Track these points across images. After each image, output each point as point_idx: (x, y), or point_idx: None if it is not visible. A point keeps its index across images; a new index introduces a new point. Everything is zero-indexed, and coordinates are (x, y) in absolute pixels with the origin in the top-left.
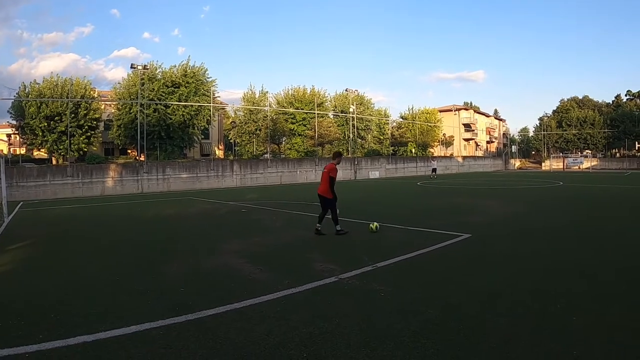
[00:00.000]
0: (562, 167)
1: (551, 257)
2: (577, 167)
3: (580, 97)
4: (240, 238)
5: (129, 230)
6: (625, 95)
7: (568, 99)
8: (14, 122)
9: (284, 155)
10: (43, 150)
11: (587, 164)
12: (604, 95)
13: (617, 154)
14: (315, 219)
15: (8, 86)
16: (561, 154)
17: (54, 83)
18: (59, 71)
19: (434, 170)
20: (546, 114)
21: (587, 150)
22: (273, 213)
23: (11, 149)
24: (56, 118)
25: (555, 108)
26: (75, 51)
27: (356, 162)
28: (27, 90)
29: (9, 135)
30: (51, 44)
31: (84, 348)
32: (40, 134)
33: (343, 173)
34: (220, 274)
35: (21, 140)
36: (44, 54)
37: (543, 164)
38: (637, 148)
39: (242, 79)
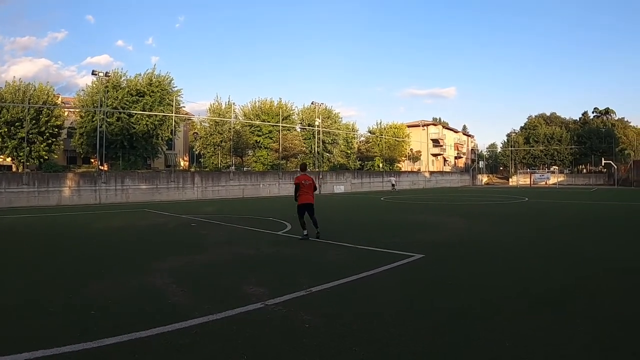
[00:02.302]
0: (529, 182)
1: (505, 279)
2: (544, 182)
3: (548, 114)
4: (178, 255)
5: (69, 243)
6: (592, 112)
7: (536, 116)
8: None
9: (248, 168)
10: (4, 156)
11: (554, 179)
12: (571, 112)
13: (584, 170)
14: (265, 235)
15: None
16: (528, 170)
17: (16, 87)
18: (30, 76)
19: (393, 185)
20: (514, 130)
21: (554, 167)
22: (223, 228)
23: None
24: (17, 124)
25: (523, 124)
26: (47, 56)
27: (321, 176)
28: None
29: None
30: (23, 48)
31: None
32: (0, 139)
33: None
34: (141, 296)
35: None
36: (15, 58)
37: (510, 179)
38: (603, 164)
39: (212, 91)
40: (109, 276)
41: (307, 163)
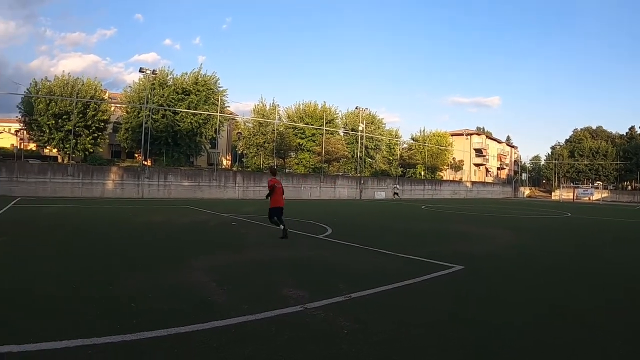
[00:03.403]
0: (572, 197)
1: (544, 294)
2: (587, 198)
3: (594, 128)
4: (218, 253)
5: (110, 235)
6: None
7: (581, 129)
8: (22, 118)
9: (290, 170)
10: (50, 147)
11: (598, 195)
12: (617, 126)
13: (629, 187)
14: (305, 238)
15: (17, 82)
16: (572, 184)
17: (65, 81)
18: (78, 71)
19: (396, 193)
20: (559, 143)
21: (598, 182)
22: (263, 229)
23: (22, 144)
24: (64, 116)
25: (568, 137)
26: (96, 52)
27: (362, 182)
28: (37, 87)
29: (17, 131)
30: (73, 43)
31: (8, 358)
32: (48, 131)
33: (348, 192)
34: (180, 292)
35: (28, 136)
36: (65, 53)
37: (553, 193)
38: None
39: (255, 92)
40: (149, 270)
41: (349, 168)
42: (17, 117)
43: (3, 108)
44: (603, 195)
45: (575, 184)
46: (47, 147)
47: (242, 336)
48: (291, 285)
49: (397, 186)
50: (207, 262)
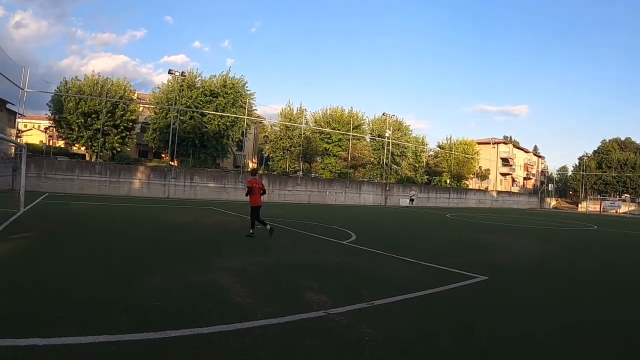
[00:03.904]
0: (598, 209)
1: (568, 308)
2: (614, 211)
3: (623, 139)
4: (242, 255)
5: (135, 234)
6: None
7: (610, 140)
8: (52, 115)
9: (316, 175)
10: (79, 145)
11: (625, 208)
12: None
13: None
14: (329, 243)
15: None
16: (599, 196)
17: (95, 81)
18: (108, 71)
19: (412, 199)
20: (586, 153)
21: (625, 194)
22: (288, 233)
23: (51, 141)
24: (93, 115)
25: (596, 148)
26: (126, 53)
27: (387, 188)
28: (67, 86)
29: (46, 128)
30: (103, 43)
31: (32, 351)
32: (77, 129)
33: (373, 198)
34: (204, 292)
35: (57, 133)
36: (95, 53)
37: (579, 205)
38: None
39: (282, 95)
40: (173, 269)
41: (375, 174)
42: (46, 114)
43: (33, 105)
44: (630, 209)
45: (603, 196)
46: (76, 145)
47: (264, 339)
48: (314, 290)
49: (414, 192)
50: (231, 263)
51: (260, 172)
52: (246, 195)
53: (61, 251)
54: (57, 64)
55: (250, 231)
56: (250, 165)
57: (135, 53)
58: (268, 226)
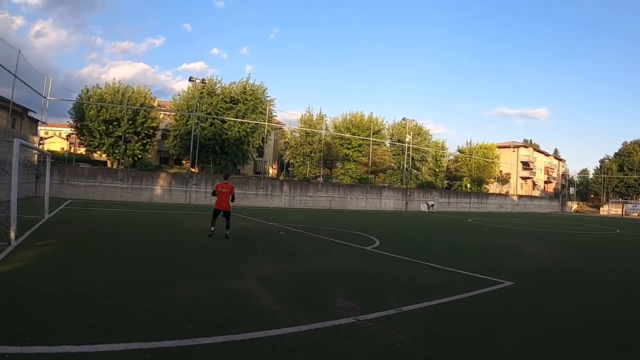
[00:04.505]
0: (620, 213)
1: (598, 316)
2: (636, 214)
3: None
4: (268, 262)
5: (159, 240)
6: None
7: (631, 142)
8: (74, 123)
9: (336, 180)
10: (100, 152)
11: None
12: None
13: None
14: (354, 249)
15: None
16: (621, 199)
17: (116, 89)
18: (128, 79)
19: (432, 206)
20: (607, 156)
21: None
22: (312, 239)
23: (72, 148)
24: (114, 123)
25: (617, 150)
26: (145, 61)
27: (408, 193)
28: (89, 94)
29: (68, 135)
30: (123, 52)
31: (64, 358)
32: (98, 136)
33: (394, 203)
34: (232, 299)
35: (79, 140)
36: (114, 61)
37: (601, 208)
38: None
39: (301, 101)
40: (200, 276)
41: (395, 179)
42: (68, 122)
43: (54, 113)
44: None
45: (624, 199)
46: (97, 152)
47: (296, 346)
48: (342, 296)
49: (433, 202)
50: (258, 270)
51: (282, 178)
52: (213, 195)
53: (88, 258)
54: (77, 72)
55: (212, 229)
56: (271, 171)
57: (154, 61)
58: (212, 229)
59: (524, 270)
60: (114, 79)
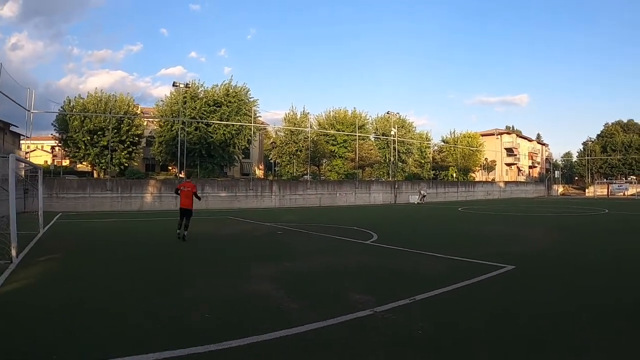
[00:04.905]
0: (606, 193)
1: (609, 292)
2: (622, 193)
3: (625, 121)
4: (272, 262)
5: (160, 248)
6: None
7: (612, 123)
8: (58, 135)
9: (324, 177)
10: (85, 163)
11: (633, 190)
12: None
13: None
14: (354, 244)
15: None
16: (605, 180)
17: (98, 98)
18: (106, 87)
19: (424, 196)
20: (590, 138)
21: (632, 176)
22: (310, 237)
23: (55, 161)
24: (99, 132)
25: (599, 132)
26: (123, 68)
27: (396, 186)
28: (71, 105)
29: (52, 148)
30: (100, 60)
31: None
32: (83, 147)
33: (383, 196)
34: (248, 301)
35: (64, 152)
36: (92, 70)
37: (587, 190)
38: None
39: (284, 100)
40: (210, 281)
41: (382, 173)
42: (51, 134)
43: (36, 126)
44: (638, 190)
45: (609, 179)
46: (82, 163)
47: (324, 340)
48: (354, 291)
49: (422, 191)
50: (266, 271)
51: (271, 178)
52: (175, 193)
53: (93, 270)
54: (55, 83)
55: (177, 232)
56: (257, 172)
57: (132, 67)
58: (181, 233)
59: (523, 254)
60: (96, 88)
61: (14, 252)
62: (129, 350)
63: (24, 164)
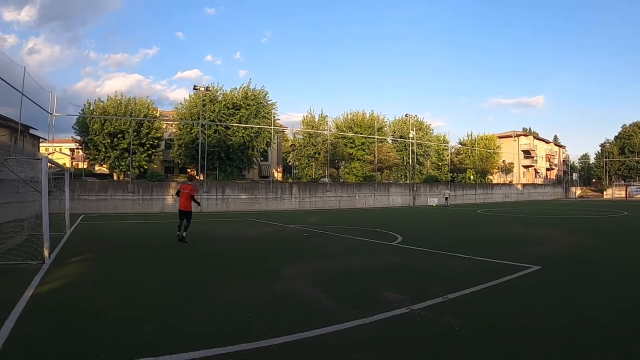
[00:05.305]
0: (624, 195)
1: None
2: None
3: None
4: (302, 263)
5: (190, 249)
6: None
7: (630, 124)
8: (78, 138)
9: (342, 180)
10: (105, 165)
11: None
12: None
13: None
14: (380, 245)
15: (73, 103)
16: (623, 182)
17: (118, 101)
18: (123, 91)
19: (446, 198)
20: (608, 140)
21: None
22: (336, 238)
23: (73, 163)
24: (119, 135)
25: (617, 134)
26: (139, 72)
27: (415, 189)
28: (91, 108)
29: (72, 150)
30: (117, 64)
31: None
32: (103, 150)
33: (402, 199)
34: (285, 301)
35: (84, 155)
36: (109, 74)
37: (605, 192)
38: None
39: (300, 103)
40: (246, 282)
41: (400, 175)
42: (71, 137)
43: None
44: None
45: (627, 181)
46: (103, 166)
47: (365, 337)
48: (388, 290)
49: (447, 191)
50: (297, 271)
51: (290, 180)
52: (176, 195)
53: (128, 270)
54: (72, 87)
55: (177, 233)
56: (276, 174)
57: (148, 71)
58: (180, 234)
59: (547, 254)
60: (116, 91)
61: (46, 253)
62: (181, 348)
63: (47, 166)
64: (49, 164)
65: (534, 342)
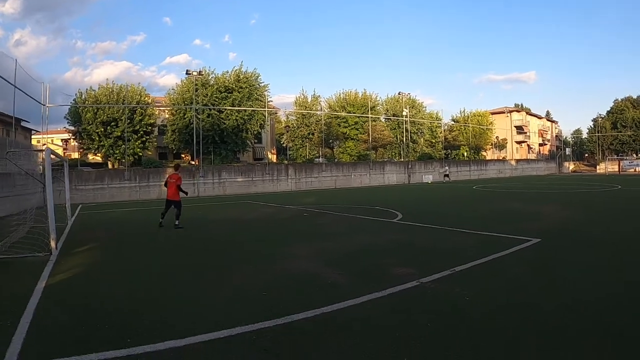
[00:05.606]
0: (617, 170)
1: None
2: (633, 170)
3: (635, 97)
4: (308, 242)
5: (195, 234)
6: None
7: (622, 99)
8: (71, 128)
9: (337, 160)
10: (99, 154)
11: None
12: None
13: None
14: (382, 223)
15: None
16: (616, 157)
17: (110, 89)
18: (112, 79)
19: (446, 175)
20: (600, 115)
21: None
22: (336, 217)
23: (66, 154)
24: (112, 123)
25: (609, 109)
26: (127, 59)
27: (409, 166)
28: (83, 97)
29: (64, 140)
30: (104, 52)
31: (175, 353)
32: (97, 138)
33: (397, 177)
34: (298, 279)
35: (78, 145)
36: (97, 62)
37: (598, 166)
38: None
39: (292, 83)
40: (257, 262)
41: (394, 153)
42: (64, 127)
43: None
44: None
45: (620, 156)
46: (97, 155)
47: (382, 310)
48: (396, 265)
49: (447, 167)
50: (304, 251)
51: (285, 162)
52: (164, 186)
53: (137, 258)
54: (60, 77)
55: (160, 220)
56: (270, 156)
57: (137, 58)
58: (161, 222)
59: (545, 228)
60: (107, 79)
61: (53, 244)
62: (210, 327)
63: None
64: (51, 155)
65: (543, 312)
